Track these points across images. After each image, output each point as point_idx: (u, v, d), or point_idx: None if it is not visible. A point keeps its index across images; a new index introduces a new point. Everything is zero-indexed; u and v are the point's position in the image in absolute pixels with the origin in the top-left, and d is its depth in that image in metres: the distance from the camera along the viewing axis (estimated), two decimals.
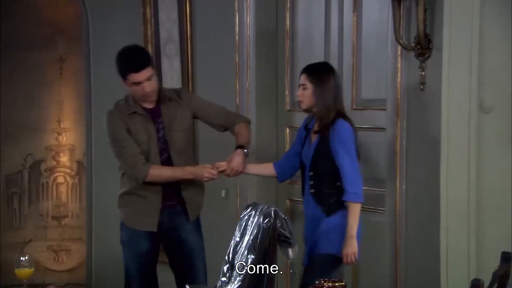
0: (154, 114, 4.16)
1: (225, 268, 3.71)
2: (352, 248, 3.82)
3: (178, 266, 4.31)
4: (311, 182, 3.94)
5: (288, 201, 5.13)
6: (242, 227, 3.75)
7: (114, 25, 6.29)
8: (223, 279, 3.66)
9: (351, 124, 3.92)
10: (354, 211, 3.83)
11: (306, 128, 4.08)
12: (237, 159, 4.12)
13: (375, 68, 4.40)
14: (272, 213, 3.58)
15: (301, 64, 4.61)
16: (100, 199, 6.18)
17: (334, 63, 4.44)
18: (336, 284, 2.89)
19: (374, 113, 4.41)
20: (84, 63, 6.39)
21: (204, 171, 4.11)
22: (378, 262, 4.29)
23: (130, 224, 4.22)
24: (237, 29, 5.18)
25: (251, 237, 3.62)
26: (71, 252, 6.77)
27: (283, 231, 3.60)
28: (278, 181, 4.33)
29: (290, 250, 3.67)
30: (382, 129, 4.25)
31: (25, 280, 4.32)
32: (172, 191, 4.20)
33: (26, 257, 4.36)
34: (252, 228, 3.66)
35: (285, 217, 3.63)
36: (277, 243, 3.60)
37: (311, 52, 4.86)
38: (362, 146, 4.10)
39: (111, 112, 4.16)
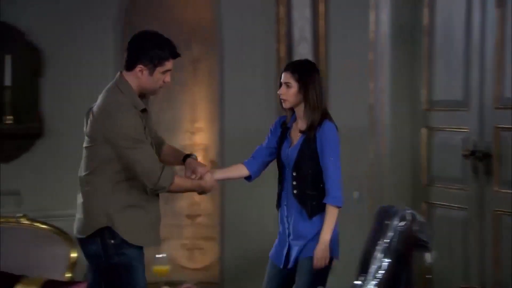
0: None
1: (359, 272, 3.63)
2: (324, 252, 3.75)
3: None
4: (294, 183, 3.83)
5: (424, 203, 4.96)
6: (377, 230, 3.65)
7: (246, 25, 6.31)
8: (357, 282, 3.57)
9: (336, 126, 3.84)
10: (332, 215, 3.77)
11: (284, 126, 3.95)
12: (196, 166, 3.88)
13: None
14: (409, 216, 3.46)
15: (440, 61, 4.45)
16: (232, 198, 6.20)
17: (475, 59, 4.26)
18: None
19: None
20: (218, 64, 6.44)
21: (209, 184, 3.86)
22: None
23: (136, 242, 3.64)
24: (372, 26, 5.06)
25: (387, 241, 3.51)
26: (204, 250, 6.85)
27: (420, 235, 3.47)
28: (249, 181, 4.08)
29: (428, 255, 3.53)
30: None
31: (162, 278, 4.41)
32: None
33: (163, 255, 4.45)
34: (387, 231, 3.56)
35: (423, 220, 3.50)
36: (414, 247, 3.47)
37: (450, 48, 4.68)
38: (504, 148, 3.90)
39: (128, 108, 3.56)
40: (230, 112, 6.29)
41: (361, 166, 5.14)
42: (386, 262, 3.45)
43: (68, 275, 4.52)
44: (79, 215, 3.66)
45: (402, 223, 3.46)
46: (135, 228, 3.61)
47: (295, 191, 3.82)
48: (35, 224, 4.55)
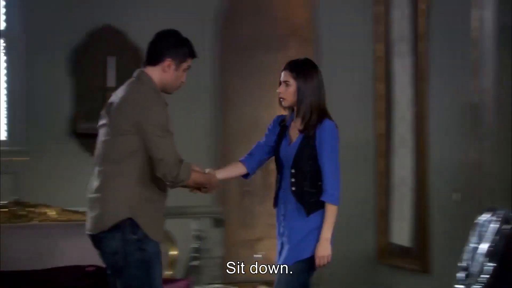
0: None
1: (461, 275, 3.54)
2: (325, 251, 3.70)
3: None
4: (293, 180, 3.78)
5: None
6: (480, 233, 3.55)
7: (343, 24, 6.27)
8: (460, 286, 3.49)
9: (336, 125, 3.78)
10: (331, 212, 3.72)
11: (282, 124, 3.88)
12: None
13: None
14: None
15: None
16: None
17: None
18: None
19: None
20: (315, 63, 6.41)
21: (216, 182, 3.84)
22: None
23: (155, 237, 3.55)
24: (475, 24, 4.93)
25: (491, 244, 3.41)
26: None
27: None
28: (247, 178, 4.03)
29: None
30: None
31: (259, 277, 4.43)
32: None
33: (260, 255, 4.47)
34: (491, 234, 3.46)
35: None
36: None
37: None
38: None
39: (159, 97, 3.58)
40: None
41: (461, 167, 5.03)
42: (490, 266, 3.34)
43: (169, 272, 4.60)
44: (95, 210, 3.54)
45: (508, 226, 3.35)
46: (154, 222, 3.56)
47: (293, 188, 3.78)
48: None
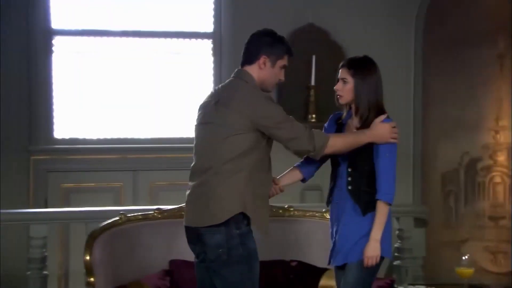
0: None
1: None
2: (374, 251, 3.60)
3: None
4: (349, 179, 3.71)
5: None
6: None
7: None
8: None
9: (395, 123, 3.68)
10: (383, 212, 3.64)
11: (339, 122, 3.80)
12: None
13: None
14: None
15: None
16: None
17: None
18: None
19: None
20: None
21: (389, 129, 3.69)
22: None
23: (262, 230, 3.65)
24: None
25: None
26: (508, 254, 6.54)
27: None
28: (304, 182, 3.94)
29: None
30: None
31: (465, 280, 4.29)
32: None
33: (467, 257, 4.33)
34: None
35: None
36: None
37: None
38: None
39: (265, 94, 3.68)
40: None
41: None
42: None
43: None
44: (201, 205, 3.60)
45: None
46: (262, 217, 3.64)
47: (349, 187, 3.69)
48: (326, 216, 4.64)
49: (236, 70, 3.76)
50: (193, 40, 6.57)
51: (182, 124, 6.45)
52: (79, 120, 6.39)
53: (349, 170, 3.76)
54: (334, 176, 3.84)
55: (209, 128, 3.67)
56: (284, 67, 3.72)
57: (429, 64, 6.71)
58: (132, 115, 6.47)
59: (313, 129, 3.63)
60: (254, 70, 3.70)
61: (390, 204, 3.70)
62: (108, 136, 6.42)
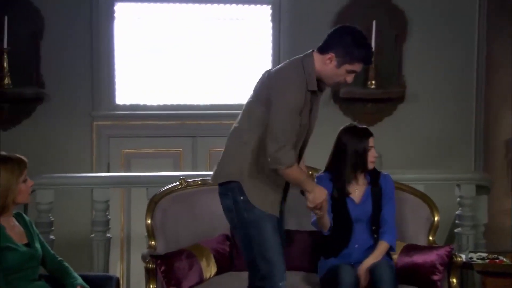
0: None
1: None
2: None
3: None
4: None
5: None
6: None
7: None
8: None
9: None
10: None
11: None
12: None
13: None
14: None
15: None
16: None
17: None
18: None
19: None
20: None
21: (322, 198, 3.69)
22: None
23: (254, 203, 3.70)
24: None
25: None
26: None
27: None
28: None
29: None
30: None
31: None
32: None
33: None
34: None
35: None
36: None
37: None
38: None
39: (298, 86, 3.60)
40: None
41: None
42: None
43: (431, 238, 4.54)
44: (217, 165, 3.78)
45: None
46: (259, 192, 3.68)
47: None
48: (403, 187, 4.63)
49: (310, 50, 3.74)
50: (252, 6, 6.54)
51: (240, 91, 6.47)
52: (139, 86, 6.46)
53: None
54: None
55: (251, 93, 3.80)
56: (352, 72, 3.68)
57: (493, 29, 6.56)
58: (191, 82, 6.50)
59: (290, 153, 3.57)
60: (318, 60, 3.68)
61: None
62: (168, 103, 6.47)
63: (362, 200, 4.16)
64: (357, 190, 4.17)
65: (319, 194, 3.68)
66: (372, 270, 4.01)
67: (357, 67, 3.66)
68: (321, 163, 4.30)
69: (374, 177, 4.21)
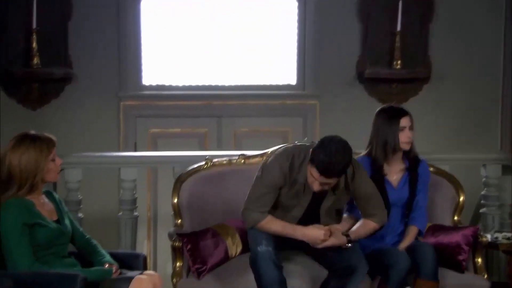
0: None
1: None
2: None
3: None
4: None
5: None
6: None
7: None
8: None
9: None
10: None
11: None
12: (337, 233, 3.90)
13: None
14: None
15: None
16: None
17: None
18: None
19: None
20: None
21: (320, 234, 3.83)
22: None
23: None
24: None
25: None
26: None
27: None
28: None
29: None
30: None
31: None
32: None
33: None
34: None
35: None
36: None
37: None
38: None
39: (283, 161, 3.89)
40: None
41: None
42: None
43: (456, 218, 4.54)
44: None
45: None
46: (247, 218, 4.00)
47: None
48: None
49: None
50: None
51: (266, 71, 6.47)
52: (166, 67, 6.49)
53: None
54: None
55: None
56: (313, 177, 3.76)
57: None
58: (217, 62, 6.52)
59: (254, 214, 3.89)
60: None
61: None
62: (194, 83, 6.51)
63: (400, 186, 4.18)
64: (395, 175, 4.18)
65: (312, 237, 3.85)
66: (412, 251, 4.03)
67: (315, 172, 3.71)
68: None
69: (413, 163, 4.19)
